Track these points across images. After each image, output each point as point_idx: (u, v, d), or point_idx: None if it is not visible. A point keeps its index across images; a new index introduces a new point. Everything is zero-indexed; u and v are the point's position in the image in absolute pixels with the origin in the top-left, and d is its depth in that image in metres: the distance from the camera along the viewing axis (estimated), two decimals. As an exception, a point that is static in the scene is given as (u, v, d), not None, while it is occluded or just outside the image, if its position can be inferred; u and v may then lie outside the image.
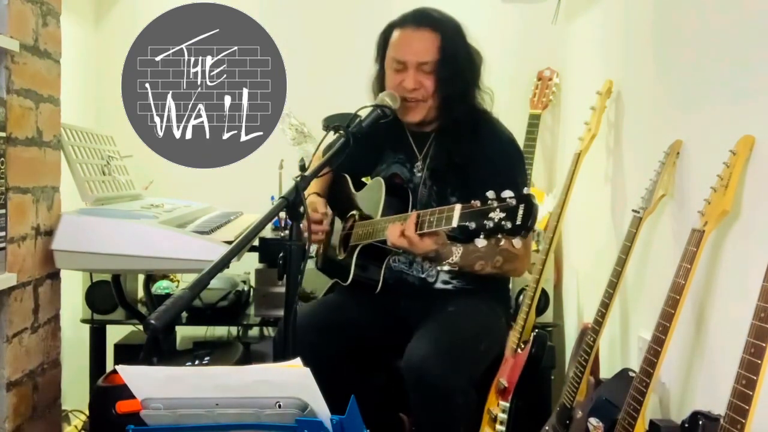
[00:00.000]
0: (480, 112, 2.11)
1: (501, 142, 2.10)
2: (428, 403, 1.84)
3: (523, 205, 1.50)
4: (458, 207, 1.60)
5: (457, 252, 1.89)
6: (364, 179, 2.34)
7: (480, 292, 2.09)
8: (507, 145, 2.11)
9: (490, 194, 1.54)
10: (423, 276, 2.11)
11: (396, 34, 2.07)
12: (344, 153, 1.75)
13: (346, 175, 2.30)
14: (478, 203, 1.55)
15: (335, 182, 2.33)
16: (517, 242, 1.56)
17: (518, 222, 1.50)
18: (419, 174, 2.14)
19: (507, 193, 1.53)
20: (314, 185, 2.28)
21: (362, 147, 2.16)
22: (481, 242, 1.55)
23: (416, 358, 1.83)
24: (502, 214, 1.51)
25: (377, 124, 1.91)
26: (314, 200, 2.20)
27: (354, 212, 2.19)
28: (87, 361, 2.85)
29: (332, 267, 2.26)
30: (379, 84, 2.12)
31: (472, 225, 1.55)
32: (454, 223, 1.59)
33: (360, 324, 2.09)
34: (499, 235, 1.54)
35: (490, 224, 1.52)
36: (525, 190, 1.52)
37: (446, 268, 1.94)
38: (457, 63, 2.02)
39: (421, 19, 2.05)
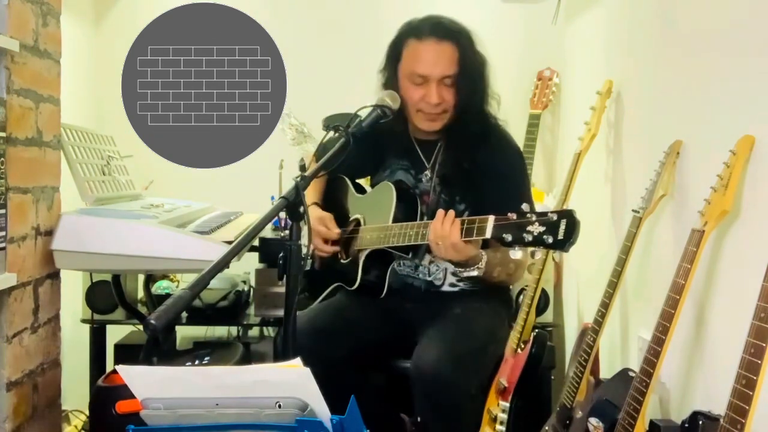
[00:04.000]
0: (490, 120, 2.11)
1: (509, 153, 2.11)
2: (438, 408, 1.84)
3: (565, 220, 1.54)
4: (492, 218, 1.64)
5: (484, 258, 1.90)
6: (361, 181, 2.33)
7: (484, 294, 2.09)
8: (514, 156, 2.12)
9: (525, 207, 1.59)
10: (429, 279, 2.10)
11: (413, 46, 2.02)
12: (344, 153, 1.74)
13: (345, 178, 2.29)
14: (514, 216, 1.60)
15: (331, 184, 2.32)
16: (557, 255, 1.61)
17: (560, 237, 1.54)
18: (427, 181, 2.13)
19: (542, 208, 1.58)
20: (310, 192, 2.26)
21: (363, 148, 2.16)
22: (515, 253, 1.60)
23: (428, 362, 1.82)
24: (542, 228, 1.55)
25: (378, 125, 1.90)
26: (322, 215, 2.17)
27: (358, 216, 2.19)
28: (87, 361, 2.85)
29: (331, 271, 2.25)
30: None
31: (509, 237, 1.60)
32: (488, 234, 1.64)
33: (362, 327, 2.09)
34: (538, 248, 1.58)
35: (529, 237, 1.57)
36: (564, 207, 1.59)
37: (474, 273, 1.95)
38: (474, 74, 2.02)
39: (440, 31, 2.00)
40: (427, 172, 2.13)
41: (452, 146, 2.09)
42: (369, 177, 2.35)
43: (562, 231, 1.54)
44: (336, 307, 2.20)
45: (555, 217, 1.55)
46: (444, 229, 1.75)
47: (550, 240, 1.54)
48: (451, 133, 2.08)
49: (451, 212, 1.77)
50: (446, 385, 1.80)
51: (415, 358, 1.85)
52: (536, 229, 1.56)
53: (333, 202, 2.29)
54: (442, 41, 1.99)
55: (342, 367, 1.98)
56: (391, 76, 2.08)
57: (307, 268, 2.37)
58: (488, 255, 1.91)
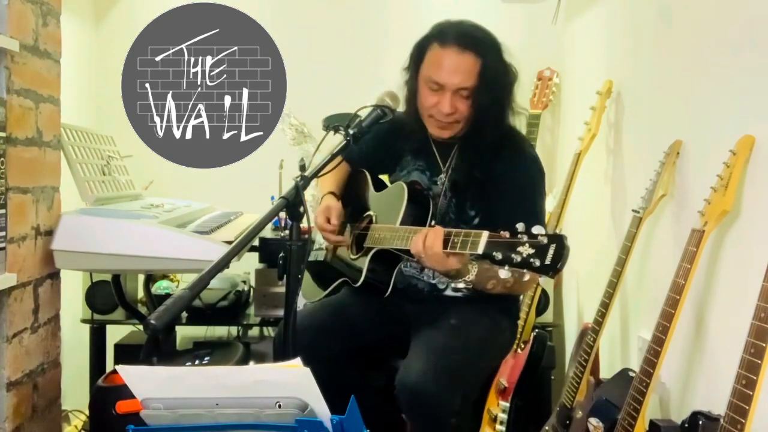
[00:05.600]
0: (508, 133, 2.07)
1: (524, 162, 2.04)
2: (421, 424, 1.82)
3: (554, 245, 1.47)
4: (485, 234, 1.57)
5: (473, 270, 1.87)
6: (382, 177, 2.32)
7: (488, 301, 2.03)
8: (529, 165, 2.06)
9: (520, 227, 1.51)
10: (434, 282, 2.09)
11: (436, 51, 1.97)
12: (344, 153, 1.75)
13: (366, 172, 2.28)
14: (507, 234, 1.52)
15: (353, 176, 2.32)
16: (543, 280, 1.54)
17: (547, 262, 1.47)
18: (440, 184, 2.12)
19: (538, 229, 1.50)
20: (330, 180, 2.25)
21: (383, 145, 2.15)
22: (504, 273, 1.53)
23: (412, 378, 1.79)
24: (531, 251, 1.48)
25: (398, 123, 1.89)
26: (330, 206, 2.15)
27: (371, 213, 2.18)
28: (87, 361, 2.85)
29: (340, 265, 2.25)
30: (411, 93, 2.05)
31: (499, 255, 1.52)
32: (480, 250, 1.57)
33: (361, 326, 2.08)
34: (525, 270, 1.51)
35: (517, 258, 1.50)
36: (557, 231, 1.50)
37: (461, 285, 1.93)
38: (494, 89, 1.97)
39: (464, 40, 1.95)
40: (442, 176, 2.11)
41: (466, 154, 2.06)
42: (388, 174, 2.34)
43: (550, 256, 1.47)
44: (336, 304, 2.19)
45: (545, 241, 1.48)
46: (427, 241, 1.72)
47: (537, 263, 1.47)
48: (467, 140, 2.05)
49: (438, 229, 1.73)
50: (428, 400, 1.76)
51: (401, 371, 1.82)
52: (526, 250, 1.49)
53: (352, 195, 2.29)
54: (464, 51, 1.94)
55: (339, 364, 1.97)
56: (412, 77, 2.05)
57: (321, 258, 2.36)
58: (480, 267, 1.88)
